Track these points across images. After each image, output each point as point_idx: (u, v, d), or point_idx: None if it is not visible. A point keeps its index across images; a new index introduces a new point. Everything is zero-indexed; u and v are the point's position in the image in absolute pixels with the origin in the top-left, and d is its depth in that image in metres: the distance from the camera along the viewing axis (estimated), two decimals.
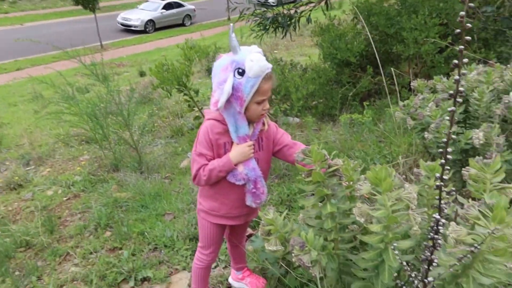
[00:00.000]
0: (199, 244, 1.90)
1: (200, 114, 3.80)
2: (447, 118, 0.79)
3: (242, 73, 1.46)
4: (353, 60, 4.51)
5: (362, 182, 1.33)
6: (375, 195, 1.24)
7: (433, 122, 2.34)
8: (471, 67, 2.76)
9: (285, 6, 5.22)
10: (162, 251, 2.59)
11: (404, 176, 2.52)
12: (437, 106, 2.44)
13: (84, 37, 13.61)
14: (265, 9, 5.18)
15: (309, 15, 5.13)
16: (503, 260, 1.04)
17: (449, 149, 0.90)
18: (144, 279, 2.36)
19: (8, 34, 15.61)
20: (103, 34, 13.76)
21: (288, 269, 2.03)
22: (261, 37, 5.32)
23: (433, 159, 2.13)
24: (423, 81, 2.92)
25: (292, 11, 5.15)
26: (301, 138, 4.03)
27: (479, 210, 1.11)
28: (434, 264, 1.08)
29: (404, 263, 1.13)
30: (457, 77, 0.78)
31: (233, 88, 1.47)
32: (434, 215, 1.01)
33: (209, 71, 7.76)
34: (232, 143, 1.61)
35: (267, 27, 5.21)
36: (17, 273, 2.51)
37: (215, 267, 2.40)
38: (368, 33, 3.73)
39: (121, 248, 2.66)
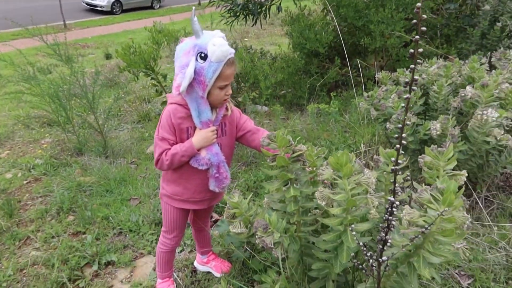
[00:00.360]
0: (162, 228, 1.91)
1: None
2: (403, 105, 0.83)
3: (204, 57, 1.46)
4: (321, 51, 4.57)
5: (324, 167, 1.39)
6: (336, 180, 1.30)
7: (395, 113, 2.44)
8: (432, 61, 2.88)
9: None
10: (127, 235, 2.58)
11: (366, 165, 2.62)
12: (399, 98, 2.54)
13: (46, 15, 12.99)
14: None
15: (280, 3, 5.14)
16: (451, 240, 1.12)
17: (407, 138, 0.96)
18: (108, 263, 2.34)
19: None
20: (67, 13, 13.18)
21: (252, 252, 2.08)
22: (231, 24, 5.28)
23: (393, 148, 2.24)
24: (387, 74, 3.02)
25: None
26: (269, 126, 4.07)
27: (431, 194, 1.18)
28: (388, 244, 1.15)
29: (361, 244, 1.20)
30: (412, 66, 0.83)
31: (195, 72, 1.47)
32: (388, 198, 1.07)
33: None
34: (195, 127, 1.61)
35: (238, 14, 5.18)
36: None
37: (181, 251, 2.42)
38: (337, 25, 3.79)
39: (84, 233, 2.62)
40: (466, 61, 2.88)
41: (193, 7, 1.58)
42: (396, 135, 0.99)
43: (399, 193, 1.34)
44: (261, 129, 1.76)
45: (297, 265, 1.54)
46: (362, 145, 2.36)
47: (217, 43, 1.46)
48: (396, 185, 1.07)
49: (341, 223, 1.29)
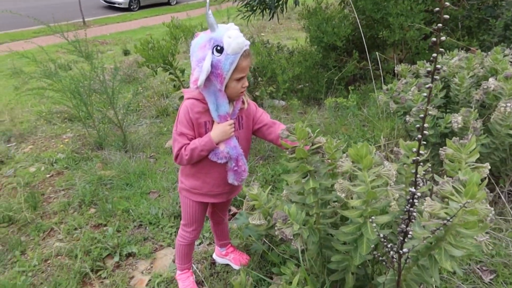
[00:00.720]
0: (181, 222, 1.93)
1: None
2: (424, 95, 0.82)
3: (220, 50, 1.46)
4: (339, 44, 4.53)
5: (344, 159, 1.38)
6: (355, 172, 1.30)
7: (414, 106, 2.40)
8: (453, 53, 2.82)
9: None
10: (147, 228, 2.62)
11: (385, 158, 2.60)
12: (419, 91, 2.50)
13: (65, 12, 13.22)
14: None
15: None
16: (473, 233, 1.10)
17: (428, 132, 0.95)
18: (129, 255, 2.39)
19: None
20: (86, 10, 13.39)
21: (271, 245, 2.09)
22: (248, 18, 5.28)
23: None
24: (407, 66, 2.97)
25: None
26: (286, 120, 4.07)
27: (453, 186, 1.17)
28: (409, 236, 1.14)
29: (381, 236, 1.19)
30: (435, 54, 0.81)
31: (212, 65, 1.47)
32: (410, 189, 1.07)
33: None
34: (212, 121, 1.62)
35: (255, 8, 5.17)
36: (0, 247, 2.50)
37: (200, 243, 2.45)
38: (357, 17, 3.74)
39: (105, 225, 2.68)
40: (489, 53, 2.81)
41: (207, 1, 1.58)
42: (417, 127, 0.98)
43: (420, 185, 1.32)
44: (277, 122, 1.76)
45: (316, 257, 1.54)
46: (382, 139, 2.34)
47: (233, 35, 1.46)
48: (418, 176, 1.06)
49: (361, 215, 1.29)
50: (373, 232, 1.24)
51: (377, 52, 4.37)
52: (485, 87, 2.31)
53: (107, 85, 3.75)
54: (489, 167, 1.39)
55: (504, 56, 2.62)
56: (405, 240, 1.14)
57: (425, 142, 1.01)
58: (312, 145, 1.43)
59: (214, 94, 1.55)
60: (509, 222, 2.19)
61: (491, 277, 1.89)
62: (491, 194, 2.19)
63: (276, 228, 1.38)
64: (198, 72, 1.48)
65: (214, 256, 2.29)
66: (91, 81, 3.77)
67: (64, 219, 2.77)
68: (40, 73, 3.70)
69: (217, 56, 1.47)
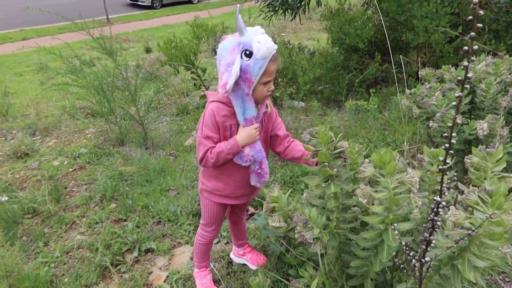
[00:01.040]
0: (201, 221, 1.95)
1: None
2: (454, 104, 0.81)
3: (249, 55, 1.46)
4: (361, 46, 4.49)
5: (366, 165, 1.37)
6: (378, 178, 1.29)
7: (438, 111, 2.37)
8: (480, 58, 2.76)
9: None
10: (166, 224, 2.66)
11: (407, 163, 2.56)
12: (443, 96, 2.46)
13: (90, 10, 13.48)
14: None
15: None
16: (498, 244, 1.08)
17: (453, 134, 0.93)
18: (148, 250, 2.43)
19: (12, 2, 15.50)
20: (110, 7, 13.63)
21: (288, 247, 2.10)
22: (270, 18, 5.28)
23: (436, 148, 2.18)
24: (431, 70, 2.92)
25: None
26: (305, 122, 4.06)
27: (478, 196, 1.15)
28: (432, 245, 1.13)
29: (403, 244, 1.18)
30: (466, 63, 0.80)
31: (241, 70, 1.47)
32: (435, 198, 1.05)
33: (215, 51, 7.70)
34: (238, 125, 1.62)
35: (277, 9, 5.17)
36: (24, 238, 2.58)
37: (217, 242, 2.47)
38: (382, 19, 3.70)
39: (125, 220, 2.73)
40: None
41: (238, 5, 1.59)
42: (441, 135, 0.97)
43: (445, 194, 1.30)
44: (289, 136, 1.79)
45: (335, 261, 1.54)
46: (405, 144, 2.31)
47: (262, 40, 1.46)
48: (443, 185, 1.05)
49: (382, 221, 1.28)
50: (395, 239, 1.23)
51: (400, 55, 4.31)
52: None
53: (129, 82, 3.82)
54: None
55: None
56: (428, 249, 1.13)
57: (450, 151, 1.00)
58: (335, 149, 1.43)
59: (242, 98, 1.56)
60: None
61: None
62: None
63: (296, 231, 1.38)
64: (227, 77, 1.48)
65: (231, 255, 2.30)
66: (114, 78, 3.85)
67: (86, 213, 2.83)
68: (65, 69, 3.79)
69: (246, 61, 1.47)
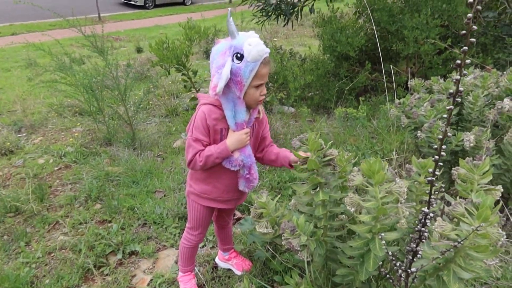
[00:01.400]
0: (187, 225, 1.93)
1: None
2: (444, 116, 0.81)
3: (240, 57, 1.46)
4: (352, 55, 4.53)
5: (355, 174, 1.37)
6: (367, 186, 1.29)
7: (427, 122, 2.39)
8: (469, 70, 2.81)
9: None
10: (151, 227, 2.63)
11: (395, 172, 2.58)
12: (432, 107, 2.49)
13: (82, 7, 13.35)
14: None
15: (312, 5, 5.12)
16: (483, 256, 1.09)
17: (443, 147, 0.94)
18: (132, 253, 2.40)
19: None
20: (102, 6, 13.53)
21: (274, 253, 2.09)
22: (263, 23, 5.30)
23: (423, 158, 2.20)
24: (420, 81, 2.96)
25: (295, 0, 5.13)
26: (295, 128, 4.07)
27: (465, 208, 1.16)
28: (418, 255, 1.13)
29: (390, 253, 1.19)
30: (457, 76, 0.81)
31: (232, 72, 1.47)
32: (422, 209, 1.06)
33: (207, 53, 7.69)
34: (228, 128, 1.61)
35: (270, 14, 5.19)
36: (5, 237, 2.52)
37: (203, 246, 2.45)
38: (374, 28, 3.74)
39: (110, 221, 2.69)
40: (504, 72, 2.80)
41: (229, 8, 1.58)
42: (429, 145, 0.97)
43: (432, 205, 1.31)
44: (274, 146, 1.81)
45: (321, 269, 1.53)
46: (394, 153, 2.33)
47: (253, 43, 1.46)
48: (431, 196, 1.05)
49: (369, 230, 1.28)
50: (381, 249, 1.24)
51: (389, 65, 4.36)
52: (500, 107, 2.29)
53: (119, 82, 3.78)
54: (502, 190, 1.38)
55: None
56: (414, 259, 1.13)
57: (434, 162, 1.01)
58: (324, 156, 1.43)
59: (233, 101, 1.55)
60: None
61: None
62: (503, 217, 2.17)
63: (283, 238, 1.37)
64: (217, 79, 1.48)
65: (217, 260, 2.28)
66: (104, 77, 3.80)
67: (70, 213, 2.78)
68: (54, 66, 3.73)
69: (237, 63, 1.47)
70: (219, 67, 1.48)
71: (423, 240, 1.11)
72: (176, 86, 5.64)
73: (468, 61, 0.81)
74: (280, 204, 1.64)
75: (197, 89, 3.81)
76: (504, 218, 2.22)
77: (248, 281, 1.54)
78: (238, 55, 1.46)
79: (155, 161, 3.52)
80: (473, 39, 0.78)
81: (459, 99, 0.84)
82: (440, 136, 0.93)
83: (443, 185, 1.29)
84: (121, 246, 2.41)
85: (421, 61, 4.61)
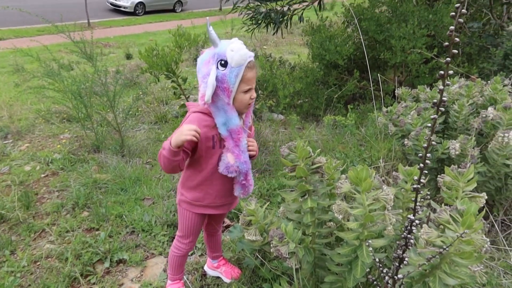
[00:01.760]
0: (178, 233, 1.91)
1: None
2: (429, 125, 0.83)
3: (224, 64, 1.48)
4: (341, 63, 4.59)
5: (343, 181, 1.39)
6: (354, 194, 1.30)
7: (413, 130, 2.43)
8: (454, 80, 2.86)
9: (278, 3, 5.26)
10: (140, 235, 2.60)
11: (383, 180, 2.61)
12: (418, 115, 2.53)
13: (71, 13, 13.28)
14: (258, 4, 5.19)
15: (302, 13, 5.18)
16: (468, 263, 1.11)
17: (428, 155, 0.96)
18: (120, 261, 2.37)
19: None
20: (91, 12, 13.46)
21: (263, 260, 2.09)
22: (253, 31, 5.33)
23: (410, 166, 2.23)
24: (407, 90, 3.01)
25: (285, 8, 5.19)
26: (284, 135, 4.09)
27: (450, 215, 1.18)
28: (404, 262, 1.15)
29: (377, 260, 1.20)
30: (441, 86, 0.83)
31: (218, 80, 1.49)
32: (408, 216, 1.08)
33: (197, 60, 7.68)
34: (219, 135, 1.61)
35: (260, 22, 5.23)
36: None
37: (191, 254, 2.43)
38: (362, 38, 3.80)
39: (98, 229, 2.66)
40: (489, 81, 2.86)
41: (207, 18, 1.60)
42: (416, 153, 0.99)
43: (418, 212, 1.33)
44: None
45: (309, 276, 1.54)
46: (381, 161, 2.36)
47: (235, 48, 1.48)
48: (417, 203, 1.07)
49: (357, 237, 1.29)
50: (369, 256, 1.25)
51: (377, 73, 4.43)
52: (484, 115, 2.34)
53: (108, 88, 3.76)
54: (486, 197, 1.40)
55: (504, 86, 2.66)
56: (401, 266, 1.15)
57: (420, 169, 1.03)
58: (313, 164, 1.44)
59: (223, 108, 1.55)
60: (502, 251, 2.20)
61: None
62: (487, 224, 2.21)
63: (272, 245, 1.38)
64: (204, 88, 1.49)
65: (206, 268, 2.27)
66: (92, 83, 3.78)
67: (57, 221, 2.74)
68: (42, 72, 3.70)
69: (222, 70, 1.49)
70: (205, 76, 1.50)
71: (410, 247, 1.12)
72: (166, 93, 5.63)
73: (451, 71, 0.83)
74: (269, 211, 1.65)
75: (186, 96, 3.82)
76: (489, 225, 2.26)
77: None
78: (222, 62, 1.48)
79: (144, 168, 3.50)
80: (455, 50, 0.80)
81: (443, 109, 0.86)
82: (424, 143, 0.95)
83: (429, 193, 1.32)
84: (108, 254, 2.38)
85: (408, 70, 4.69)
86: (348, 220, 1.33)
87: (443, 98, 0.86)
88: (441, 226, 1.23)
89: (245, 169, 1.65)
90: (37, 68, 3.93)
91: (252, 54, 1.54)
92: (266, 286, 2.03)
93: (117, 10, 16.58)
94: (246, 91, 1.55)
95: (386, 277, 1.16)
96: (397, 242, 1.18)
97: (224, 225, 2.69)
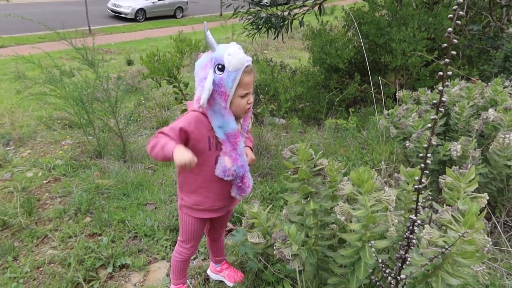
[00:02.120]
0: (179, 238, 1.91)
1: None
2: (430, 126, 0.84)
3: (222, 68, 1.49)
4: (342, 67, 4.60)
5: (345, 183, 1.40)
6: (356, 195, 1.31)
7: (415, 132, 2.44)
8: (454, 82, 2.87)
9: (279, 8, 5.29)
10: (142, 239, 2.61)
11: (384, 182, 2.61)
12: (419, 117, 2.54)
13: (72, 20, 13.37)
14: (259, 9, 5.22)
15: (302, 18, 5.20)
16: (470, 262, 1.11)
17: (429, 155, 0.97)
18: (123, 266, 2.37)
19: None
20: (92, 18, 13.54)
21: (266, 264, 2.09)
22: (253, 36, 5.36)
23: (412, 168, 2.24)
24: (408, 92, 3.02)
25: (285, 13, 5.22)
26: (286, 139, 4.09)
27: (452, 215, 1.18)
28: (407, 262, 1.15)
29: (380, 261, 1.20)
30: (440, 87, 0.84)
31: (215, 84, 1.50)
32: (410, 216, 1.08)
33: None
34: (216, 137, 1.62)
35: (260, 27, 5.26)
36: None
37: (194, 258, 2.43)
38: (362, 41, 3.81)
39: (100, 235, 2.66)
40: (489, 83, 2.87)
41: (205, 22, 1.61)
42: (417, 155, 1.00)
43: (420, 212, 1.33)
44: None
45: (312, 278, 1.54)
46: (383, 163, 2.36)
47: (232, 53, 1.49)
48: (418, 204, 1.08)
49: (359, 239, 1.29)
50: (371, 257, 1.25)
51: (378, 76, 4.44)
52: (485, 117, 2.35)
53: (110, 94, 3.78)
54: (487, 197, 1.41)
55: (504, 87, 2.67)
56: (403, 266, 1.15)
57: (425, 171, 1.04)
58: (315, 166, 1.45)
59: (220, 112, 1.56)
60: (505, 252, 2.20)
61: None
62: (489, 224, 2.20)
63: (275, 247, 1.38)
64: (200, 91, 1.50)
65: (209, 271, 2.27)
66: (94, 89, 3.80)
67: (59, 227, 2.75)
68: (44, 78, 3.72)
69: (219, 75, 1.50)
70: (201, 79, 1.51)
71: (412, 247, 1.12)
72: (167, 98, 5.65)
73: (449, 72, 0.84)
74: (272, 214, 1.65)
75: (187, 101, 3.83)
76: (492, 226, 2.26)
77: None
78: (220, 66, 1.49)
79: (146, 173, 3.51)
80: (454, 52, 0.81)
81: (442, 109, 0.87)
82: (426, 145, 0.95)
83: (430, 193, 1.32)
84: (111, 260, 2.38)
85: (409, 73, 4.70)
86: (350, 222, 1.34)
87: (443, 99, 0.87)
88: (443, 227, 1.23)
89: (241, 173, 1.65)
90: (39, 74, 3.95)
91: (250, 58, 1.55)
92: None
93: (117, 16, 16.67)
94: (243, 96, 1.56)
95: (389, 278, 1.17)
96: (400, 242, 1.18)
97: (227, 229, 2.69)
